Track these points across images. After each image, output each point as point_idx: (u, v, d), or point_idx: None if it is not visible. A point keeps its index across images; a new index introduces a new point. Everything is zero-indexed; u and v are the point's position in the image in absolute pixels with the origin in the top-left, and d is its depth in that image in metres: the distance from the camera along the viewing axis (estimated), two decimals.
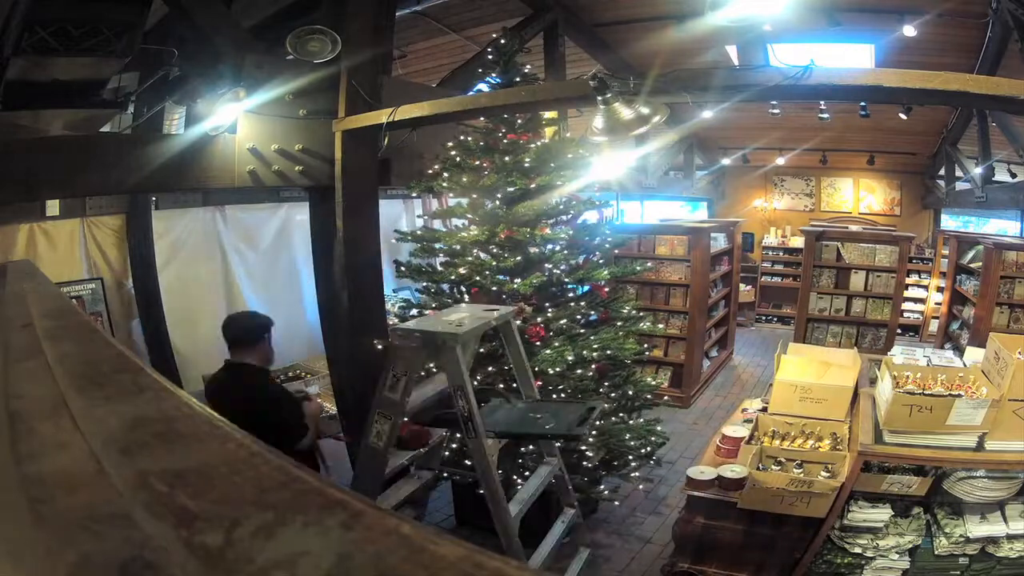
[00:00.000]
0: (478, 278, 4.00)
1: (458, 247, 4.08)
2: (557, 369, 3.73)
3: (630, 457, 4.19)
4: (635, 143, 8.82)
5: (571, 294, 4.25)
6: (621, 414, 4.29)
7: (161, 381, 0.61)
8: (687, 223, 8.59)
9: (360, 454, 2.93)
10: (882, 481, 3.10)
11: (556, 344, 3.81)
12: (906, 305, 9.32)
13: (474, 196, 4.10)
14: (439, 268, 4.36)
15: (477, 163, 4.10)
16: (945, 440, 2.95)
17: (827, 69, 2.74)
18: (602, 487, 4.12)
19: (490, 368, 3.89)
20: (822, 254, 7.76)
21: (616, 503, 4.37)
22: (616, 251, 6.17)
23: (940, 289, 9.01)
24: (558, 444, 3.27)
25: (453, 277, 4.09)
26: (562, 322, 3.90)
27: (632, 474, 4.26)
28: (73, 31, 3.18)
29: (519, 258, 3.95)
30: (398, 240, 4.33)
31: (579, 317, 4.11)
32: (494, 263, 3.95)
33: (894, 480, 3.09)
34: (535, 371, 3.78)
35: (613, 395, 4.19)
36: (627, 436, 4.18)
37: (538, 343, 3.86)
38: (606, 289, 4.40)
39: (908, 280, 9.14)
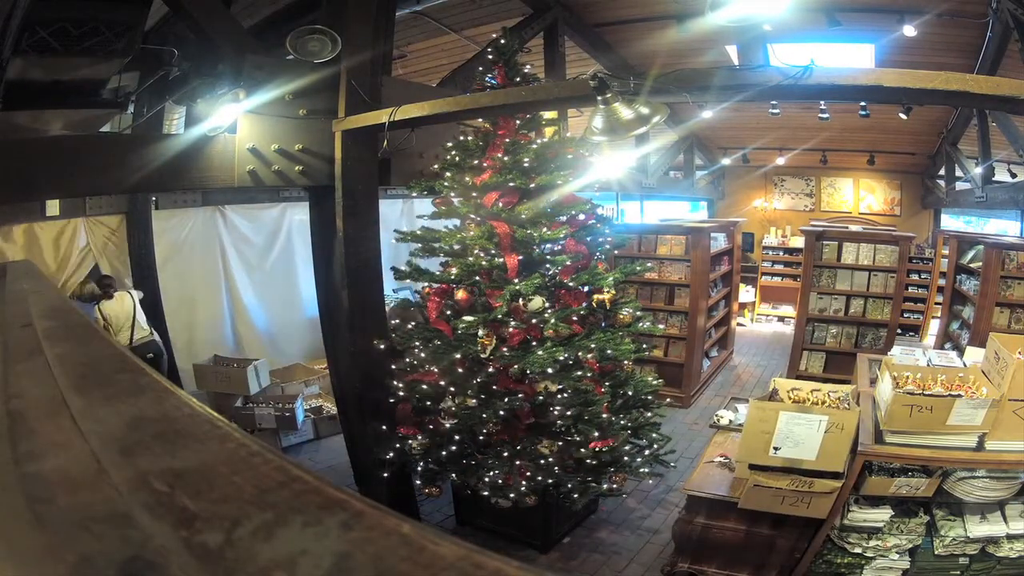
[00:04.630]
0: (477, 279, 3.99)
1: (458, 247, 4.07)
2: (551, 370, 3.72)
3: (626, 459, 4.18)
4: (635, 143, 8.85)
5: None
6: (621, 413, 4.28)
7: (161, 381, 0.61)
8: (687, 223, 8.58)
9: None
10: (890, 485, 3.09)
11: (548, 345, 3.79)
12: (906, 305, 9.31)
13: (474, 195, 4.09)
14: (438, 269, 4.35)
15: (476, 162, 4.09)
16: (945, 440, 2.95)
17: (827, 69, 2.73)
18: (604, 485, 4.11)
19: (490, 369, 3.88)
20: (822, 254, 7.74)
21: (624, 496, 4.38)
22: (616, 252, 6.17)
23: (940, 289, 9.00)
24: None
25: (452, 277, 4.08)
26: (560, 324, 3.88)
27: (631, 475, 4.25)
28: (73, 31, 3.18)
29: (521, 258, 3.94)
30: (398, 240, 4.31)
31: (576, 318, 4.10)
32: (494, 260, 3.94)
33: (902, 483, 3.08)
34: (528, 374, 3.77)
35: (613, 397, 4.18)
36: (627, 435, 4.18)
37: (534, 344, 3.85)
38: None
39: (908, 280, 9.13)
